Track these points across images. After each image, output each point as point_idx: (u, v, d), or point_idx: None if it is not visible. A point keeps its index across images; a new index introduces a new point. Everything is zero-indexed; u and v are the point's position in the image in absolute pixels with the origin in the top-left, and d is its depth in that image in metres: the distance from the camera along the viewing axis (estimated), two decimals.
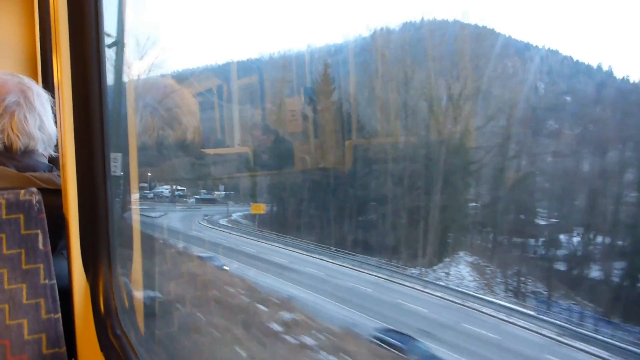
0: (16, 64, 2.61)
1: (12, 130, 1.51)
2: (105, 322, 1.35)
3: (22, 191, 1.28)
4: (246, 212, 16.07)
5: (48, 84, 1.72)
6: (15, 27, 2.60)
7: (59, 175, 1.51)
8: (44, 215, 1.30)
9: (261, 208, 14.47)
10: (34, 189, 1.30)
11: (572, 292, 9.56)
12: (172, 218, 15.82)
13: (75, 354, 1.47)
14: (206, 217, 16.47)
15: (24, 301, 1.30)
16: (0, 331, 1.27)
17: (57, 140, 1.63)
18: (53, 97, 1.64)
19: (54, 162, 1.66)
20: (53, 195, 1.42)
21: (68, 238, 1.41)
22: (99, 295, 1.38)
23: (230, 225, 16.12)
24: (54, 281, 1.33)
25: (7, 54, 2.59)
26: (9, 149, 1.52)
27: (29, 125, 1.54)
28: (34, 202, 1.28)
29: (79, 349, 1.45)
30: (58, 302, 1.33)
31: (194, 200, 17.12)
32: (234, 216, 16.46)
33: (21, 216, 1.28)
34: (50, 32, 2.54)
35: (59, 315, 1.34)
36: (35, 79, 2.22)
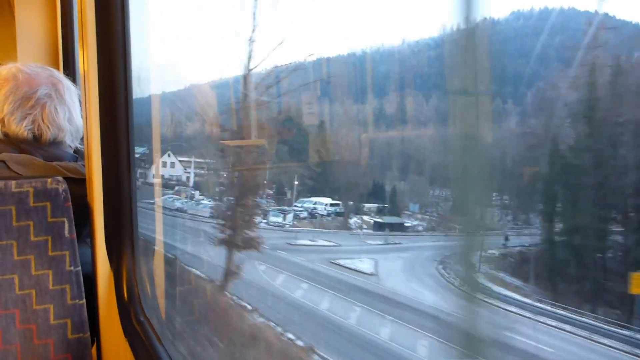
0: (39, 53, 2.65)
1: (43, 121, 1.55)
2: (128, 309, 1.38)
3: (49, 180, 1.31)
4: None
5: (69, 74, 1.75)
6: (37, 17, 2.64)
7: (83, 165, 1.54)
8: (69, 203, 1.33)
9: None
10: (60, 178, 1.33)
11: None
12: (389, 270, 8.45)
13: (99, 340, 1.51)
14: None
15: (50, 287, 1.33)
16: (27, 316, 1.31)
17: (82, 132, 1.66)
18: (76, 87, 1.68)
19: (78, 154, 1.69)
20: (78, 185, 1.45)
21: (92, 226, 1.44)
22: (123, 282, 1.41)
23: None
24: (79, 268, 1.36)
25: (30, 43, 2.63)
26: (38, 139, 1.55)
27: (59, 117, 1.58)
28: (61, 190, 1.31)
29: (103, 334, 1.49)
30: (83, 289, 1.37)
31: (354, 219, 10.44)
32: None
33: (48, 204, 1.31)
34: (71, 22, 2.57)
35: (84, 301, 1.37)
36: (57, 68, 2.26)
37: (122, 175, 1.38)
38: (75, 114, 1.63)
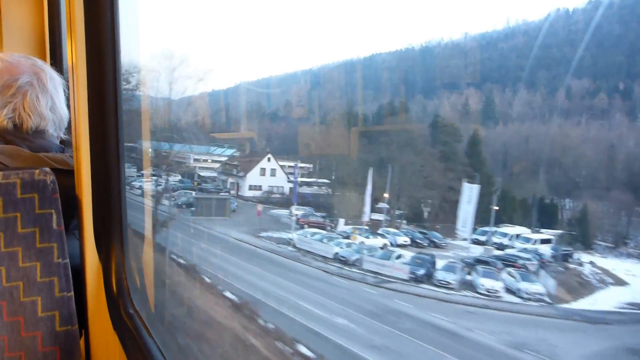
0: (25, 46, 2.60)
1: (24, 109, 1.52)
2: (117, 302, 1.38)
3: (37, 171, 1.30)
4: None
5: (57, 65, 1.73)
6: (24, 8, 2.60)
7: (71, 156, 1.53)
8: (58, 195, 1.32)
9: None
10: (48, 169, 1.32)
11: None
12: None
13: (87, 332, 1.50)
14: None
15: (38, 279, 1.32)
16: (14, 308, 1.30)
17: (68, 122, 1.64)
18: (62, 77, 1.66)
19: (65, 144, 1.68)
20: (65, 176, 1.44)
21: (81, 218, 1.43)
22: (112, 275, 1.40)
23: None
24: (67, 260, 1.35)
25: (16, 36, 2.59)
26: (19, 128, 1.53)
27: (40, 106, 1.55)
28: (48, 182, 1.30)
29: (91, 327, 1.49)
30: (71, 281, 1.36)
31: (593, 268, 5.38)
32: None
33: (36, 196, 1.29)
34: (59, 13, 2.53)
35: (72, 293, 1.37)
36: (44, 60, 2.22)
37: (111, 168, 1.38)
38: (58, 103, 1.61)
